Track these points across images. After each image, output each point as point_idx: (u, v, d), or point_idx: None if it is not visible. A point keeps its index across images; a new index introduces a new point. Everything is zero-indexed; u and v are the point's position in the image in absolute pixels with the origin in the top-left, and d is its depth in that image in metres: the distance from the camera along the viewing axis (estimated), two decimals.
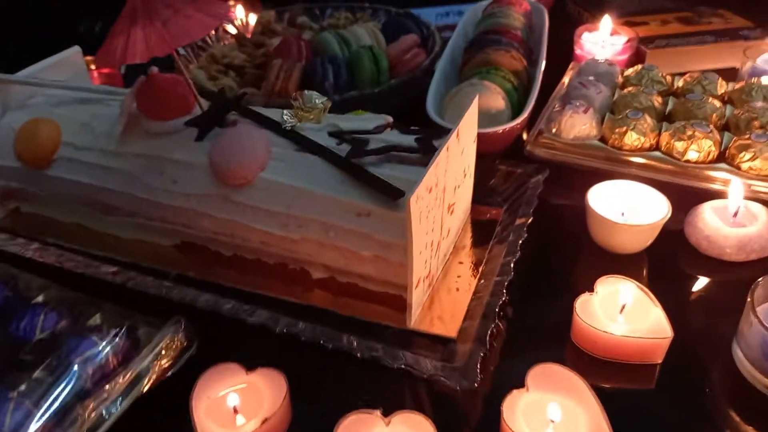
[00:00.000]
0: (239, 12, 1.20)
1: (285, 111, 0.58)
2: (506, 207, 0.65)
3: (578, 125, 0.73)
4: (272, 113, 0.60)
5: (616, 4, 1.14)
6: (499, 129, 0.69)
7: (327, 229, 0.52)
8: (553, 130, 0.74)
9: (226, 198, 0.55)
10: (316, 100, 0.58)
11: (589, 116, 0.73)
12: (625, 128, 0.70)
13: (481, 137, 0.69)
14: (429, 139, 0.54)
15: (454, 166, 0.53)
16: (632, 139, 0.70)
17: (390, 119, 0.59)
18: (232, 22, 0.93)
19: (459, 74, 0.84)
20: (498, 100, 0.71)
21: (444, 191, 0.51)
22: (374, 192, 0.50)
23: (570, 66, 0.91)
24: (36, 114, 0.64)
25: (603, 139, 0.73)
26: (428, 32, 0.95)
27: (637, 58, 0.95)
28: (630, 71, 0.84)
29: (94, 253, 0.61)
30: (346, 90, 0.82)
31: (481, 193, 0.66)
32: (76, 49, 0.72)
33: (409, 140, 0.54)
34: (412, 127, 0.58)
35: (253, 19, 1.09)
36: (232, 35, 1.05)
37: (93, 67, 1.02)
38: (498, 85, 0.74)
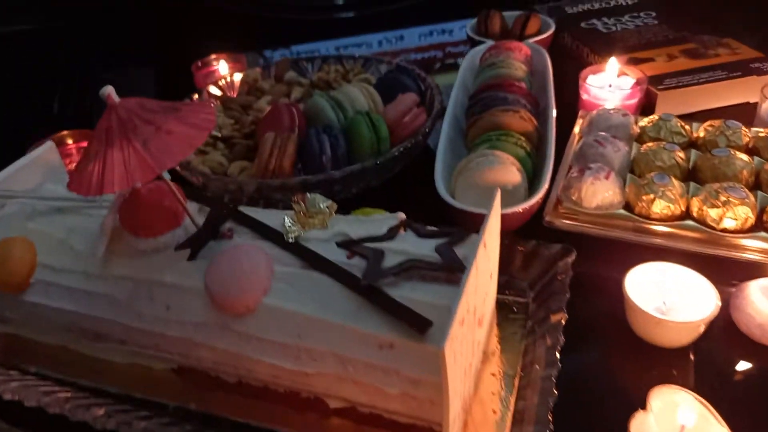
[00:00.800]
0: (222, 69, 1.14)
1: (286, 217, 0.52)
2: (533, 296, 0.60)
3: (601, 192, 0.67)
4: (271, 217, 0.54)
5: (617, 36, 1.10)
6: (519, 208, 0.63)
7: (344, 362, 0.46)
8: (573, 198, 0.69)
9: (226, 327, 0.49)
10: (321, 204, 0.52)
11: (611, 182, 0.68)
12: (652, 196, 0.65)
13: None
14: (451, 248, 0.48)
15: (483, 277, 0.47)
16: (661, 206, 0.65)
17: (402, 217, 0.53)
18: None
19: (464, 138, 0.78)
20: (513, 173, 0.66)
21: (474, 312, 0.45)
22: (397, 321, 0.44)
23: (579, 115, 0.86)
24: (7, 229, 0.57)
25: (628, 206, 0.68)
26: (425, 86, 0.89)
27: (647, 99, 0.90)
28: (646, 122, 0.79)
29: (81, 383, 0.54)
30: (344, 162, 0.76)
31: (501, 280, 0.60)
32: (49, 145, 0.66)
33: (427, 248, 0.48)
34: (429, 228, 0.52)
35: (237, 77, 1.03)
36: (216, 97, 0.99)
37: (70, 141, 0.96)
38: (510, 153, 0.68)
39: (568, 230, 0.67)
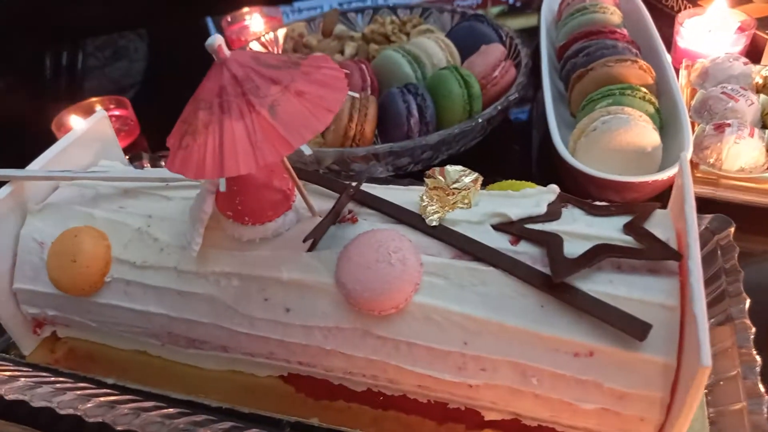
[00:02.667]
0: (256, 24, 1.03)
1: (422, 195, 0.43)
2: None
3: (746, 153, 0.58)
4: (394, 195, 0.45)
5: None
6: (665, 174, 0.54)
7: (525, 373, 0.37)
8: (710, 161, 0.60)
9: (366, 332, 0.40)
10: (464, 178, 0.43)
11: (756, 140, 0.59)
12: None
13: (639, 187, 0.55)
14: (645, 228, 0.39)
15: None
16: None
17: (557, 190, 0.44)
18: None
19: (569, 95, 0.68)
20: (651, 134, 0.56)
21: None
22: (596, 323, 0.35)
23: (684, 65, 0.76)
24: (68, 219, 0.47)
25: None
26: (505, 36, 0.79)
27: (752, 48, 0.80)
28: None
29: (173, 397, 0.45)
30: (433, 125, 0.66)
31: None
32: (101, 115, 0.55)
33: (611, 229, 0.39)
34: (596, 203, 0.43)
35: (280, 32, 0.91)
36: None
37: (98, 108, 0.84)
38: (639, 109, 0.59)
39: (707, 197, 0.58)
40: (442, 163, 0.66)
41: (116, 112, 0.84)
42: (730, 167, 0.59)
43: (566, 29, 0.78)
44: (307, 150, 0.34)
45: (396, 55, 0.72)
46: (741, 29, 0.79)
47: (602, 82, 0.64)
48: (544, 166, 0.63)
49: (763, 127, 0.64)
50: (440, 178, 0.43)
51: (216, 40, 0.34)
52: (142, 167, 0.67)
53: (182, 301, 0.44)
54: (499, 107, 0.66)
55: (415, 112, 0.65)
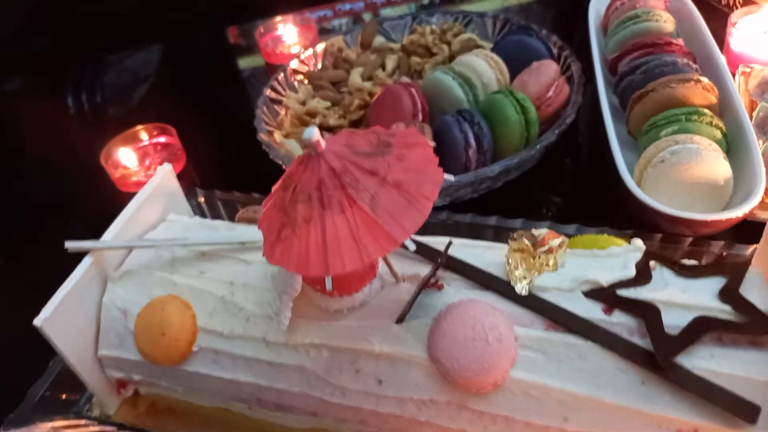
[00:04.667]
0: (289, 35, 1.01)
1: (508, 258, 0.42)
2: None
3: None
4: (477, 254, 0.45)
5: None
6: (740, 212, 0.53)
7: None
8: None
9: (462, 406, 0.40)
10: (551, 242, 0.42)
11: None
12: None
13: (713, 224, 0.54)
14: (741, 295, 0.38)
15: None
16: None
17: (642, 246, 0.44)
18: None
19: (627, 115, 0.67)
20: (723, 166, 0.55)
21: None
22: (700, 401, 0.35)
23: (740, 71, 0.74)
24: (149, 286, 0.48)
25: None
26: (557, 49, 0.77)
27: None
28: None
29: None
30: (490, 155, 0.65)
31: None
32: (167, 168, 0.55)
33: (706, 294, 0.39)
34: (684, 262, 0.42)
35: (319, 47, 0.90)
36: (300, 73, 0.87)
37: (144, 137, 0.84)
38: (707, 137, 0.58)
39: None
40: (500, 191, 0.67)
41: (162, 139, 0.84)
42: None
43: (617, 38, 0.75)
44: (411, 245, 0.34)
45: (446, 77, 0.71)
46: None
47: (664, 104, 0.62)
48: (606, 189, 0.62)
49: None
50: (525, 240, 0.43)
51: (314, 134, 0.34)
52: (198, 204, 0.67)
53: (272, 370, 0.44)
54: (558, 131, 0.65)
55: (472, 141, 0.64)
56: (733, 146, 0.61)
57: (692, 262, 0.43)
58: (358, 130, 0.38)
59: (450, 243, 0.44)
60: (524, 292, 0.41)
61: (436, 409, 0.41)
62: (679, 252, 0.54)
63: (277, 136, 0.75)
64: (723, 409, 0.34)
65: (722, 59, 0.69)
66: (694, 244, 0.53)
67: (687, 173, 0.55)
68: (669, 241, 0.54)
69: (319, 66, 0.89)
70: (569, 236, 0.54)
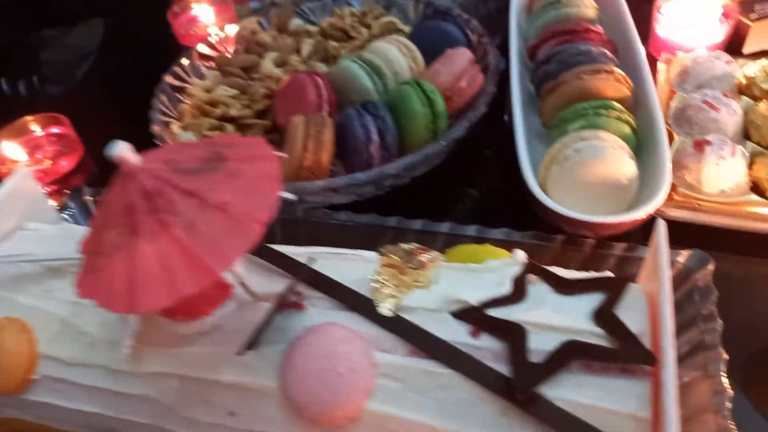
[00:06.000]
0: (205, 16, 0.94)
1: (375, 276, 0.39)
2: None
3: (727, 176, 0.54)
4: (346, 267, 0.41)
5: None
6: (642, 213, 0.50)
7: None
8: (687, 179, 0.56)
9: None
10: (420, 257, 0.39)
11: (738, 160, 0.55)
12: None
13: (615, 226, 0.51)
14: (615, 316, 0.35)
15: None
16: None
17: (524, 259, 0.40)
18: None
19: (540, 106, 0.63)
20: (627, 164, 0.52)
21: None
22: None
23: (661, 58, 0.71)
24: None
25: (756, 186, 0.55)
26: (474, 35, 0.72)
27: (734, 35, 0.75)
28: (755, 71, 0.64)
29: None
30: (395, 150, 0.61)
31: None
32: (24, 173, 0.50)
33: (579, 314, 0.36)
34: (564, 276, 0.39)
35: (230, 29, 0.84)
36: (208, 58, 0.81)
37: (35, 128, 0.78)
38: (615, 132, 0.54)
39: (686, 221, 0.55)
40: (408, 188, 0.63)
41: (55, 130, 0.77)
42: (710, 190, 0.55)
43: (538, 24, 0.72)
44: (291, 197, 0.30)
45: (353, 66, 0.66)
46: (724, 15, 0.74)
47: (575, 97, 0.59)
48: (513, 189, 0.58)
49: (746, 137, 0.60)
50: (393, 256, 0.39)
51: (118, 149, 0.29)
52: (84, 204, 0.62)
53: (118, 401, 0.40)
54: (467, 125, 0.61)
55: (374, 136, 0.60)
56: (644, 142, 0.58)
57: (578, 275, 0.40)
58: (193, 141, 0.33)
59: (313, 259, 0.40)
60: (388, 313, 0.37)
61: None
62: (581, 255, 0.51)
63: (175, 128, 0.69)
64: None
65: (641, 48, 0.66)
66: (597, 246, 0.51)
67: (590, 172, 0.52)
68: (571, 243, 0.51)
69: (232, 51, 0.83)
70: (474, 238, 0.51)
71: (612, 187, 0.52)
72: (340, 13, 0.83)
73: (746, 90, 0.65)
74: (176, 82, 0.75)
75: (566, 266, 0.42)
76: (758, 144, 0.59)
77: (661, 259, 0.35)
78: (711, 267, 0.47)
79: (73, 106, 0.82)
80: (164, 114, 0.70)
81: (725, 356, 0.42)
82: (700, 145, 0.55)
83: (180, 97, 0.75)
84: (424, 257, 0.39)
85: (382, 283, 0.38)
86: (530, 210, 0.56)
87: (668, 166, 0.53)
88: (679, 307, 0.48)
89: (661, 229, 0.37)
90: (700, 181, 0.55)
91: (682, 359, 0.46)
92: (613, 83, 0.58)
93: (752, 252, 0.54)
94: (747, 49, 0.74)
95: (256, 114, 0.70)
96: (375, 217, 0.55)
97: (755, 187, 0.55)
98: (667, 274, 0.35)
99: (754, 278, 0.54)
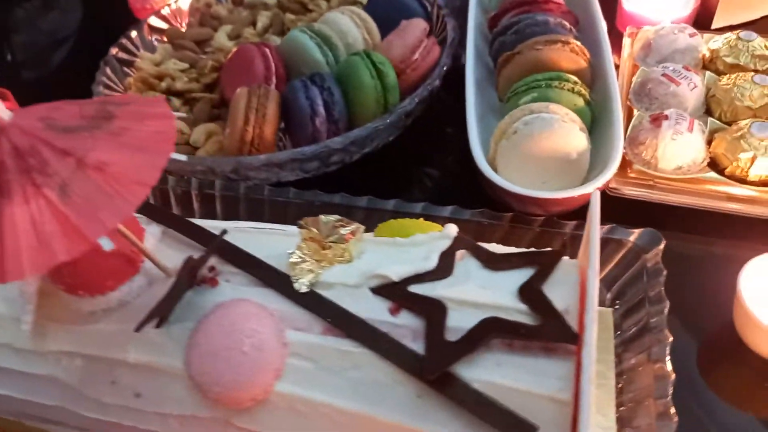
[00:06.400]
0: None
1: (294, 251, 0.36)
2: (613, 301, 0.46)
3: (684, 151, 0.52)
4: (267, 240, 0.38)
5: None
6: (591, 187, 0.48)
7: None
8: (644, 156, 0.54)
9: (227, 422, 0.34)
10: (341, 230, 0.36)
11: (695, 136, 0.53)
12: (753, 154, 0.50)
13: (563, 202, 0.49)
14: (542, 293, 0.33)
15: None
16: (764, 167, 0.51)
17: (455, 233, 0.38)
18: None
19: (496, 79, 0.61)
20: (577, 137, 0.50)
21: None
22: (475, 419, 0.30)
23: (626, 32, 0.68)
24: None
25: (714, 163, 0.53)
26: (430, 6, 0.70)
27: (702, 10, 0.72)
28: (720, 44, 0.62)
29: None
30: (343, 124, 0.59)
31: None
32: None
33: (505, 290, 0.34)
34: (495, 251, 0.37)
35: (185, 2, 0.81)
36: (160, 32, 0.78)
37: None
38: (566, 105, 0.52)
39: (640, 198, 0.53)
40: (358, 163, 0.61)
41: None
42: (666, 166, 0.53)
43: None
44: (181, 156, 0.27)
45: (303, 36, 0.63)
46: None
47: (530, 68, 0.56)
48: (464, 165, 0.56)
49: (707, 112, 0.58)
50: (313, 229, 0.36)
51: None
52: None
53: (24, 381, 0.38)
54: (417, 99, 0.59)
55: (320, 109, 0.57)
56: (601, 116, 0.55)
57: (508, 249, 0.37)
58: (84, 100, 0.30)
59: (224, 231, 0.37)
60: (304, 290, 0.35)
61: (199, 426, 0.35)
62: (530, 234, 0.49)
63: None
64: (497, 429, 0.29)
65: (602, 21, 0.63)
66: (546, 224, 0.48)
67: (538, 145, 0.49)
68: (519, 221, 0.49)
69: (185, 24, 0.80)
70: (420, 216, 0.49)
71: (562, 161, 0.50)
72: None
73: (710, 64, 0.62)
74: (124, 56, 0.72)
75: (516, 245, 0.40)
76: (719, 119, 0.57)
77: (593, 231, 0.33)
78: (661, 246, 0.45)
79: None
80: (108, 88, 0.67)
81: (670, 338, 0.41)
82: (656, 120, 0.53)
83: (129, 71, 0.72)
84: (345, 230, 0.36)
85: (302, 257, 0.36)
86: (482, 188, 0.54)
87: (620, 138, 0.51)
88: (628, 286, 0.47)
89: (595, 200, 0.35)
90: (657, 157, 0.53)
91: (628, 342, 0.44)
92: (568, 54, 0.56)
93: (707, 231, 0.52)
94: (716, 23, 0.72)
95: (204, 87, 0.68)
96: (318, 194, 0.53)
97: (713, 164, 0.53)
98: (596, 247, 0.32)
99: (707, 258, 0.52)
